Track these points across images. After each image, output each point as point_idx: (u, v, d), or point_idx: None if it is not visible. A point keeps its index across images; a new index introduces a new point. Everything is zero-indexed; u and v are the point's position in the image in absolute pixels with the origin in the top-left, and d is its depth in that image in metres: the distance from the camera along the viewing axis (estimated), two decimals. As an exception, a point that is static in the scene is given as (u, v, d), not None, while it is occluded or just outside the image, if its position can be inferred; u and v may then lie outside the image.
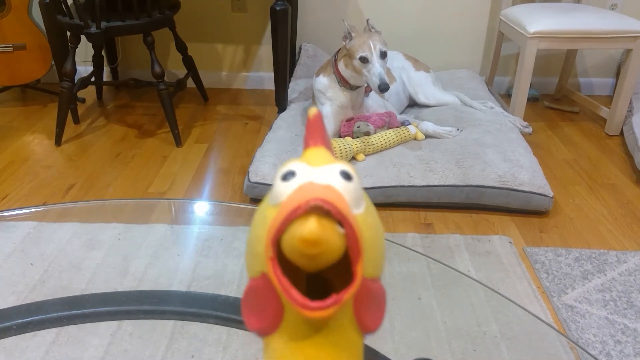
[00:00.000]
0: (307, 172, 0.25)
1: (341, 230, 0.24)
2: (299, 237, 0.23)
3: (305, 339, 0.25)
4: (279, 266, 0.24)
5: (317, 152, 0.28)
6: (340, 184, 0.25)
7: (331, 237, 0.23)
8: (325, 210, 0.23)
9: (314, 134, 0.29)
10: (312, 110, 0.29)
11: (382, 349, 0.63)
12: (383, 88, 1.61)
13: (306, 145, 0.29)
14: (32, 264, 0.98)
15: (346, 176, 0.25)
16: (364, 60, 1.66)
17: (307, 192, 0.24)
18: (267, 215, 0.25)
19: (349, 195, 0.25)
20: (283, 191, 0.25)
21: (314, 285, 0.27)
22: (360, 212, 0.26)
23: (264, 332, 0.26)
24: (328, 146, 0.29)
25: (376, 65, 1.65)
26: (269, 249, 0.24)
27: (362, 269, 0.24)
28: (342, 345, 0.25)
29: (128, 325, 0.87)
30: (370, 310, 0.26)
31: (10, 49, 2.26)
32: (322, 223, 0.23)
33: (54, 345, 0.79)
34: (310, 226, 0.23)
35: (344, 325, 0.25)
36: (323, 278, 0.28)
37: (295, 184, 0.25)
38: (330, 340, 0.25)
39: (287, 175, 0.25)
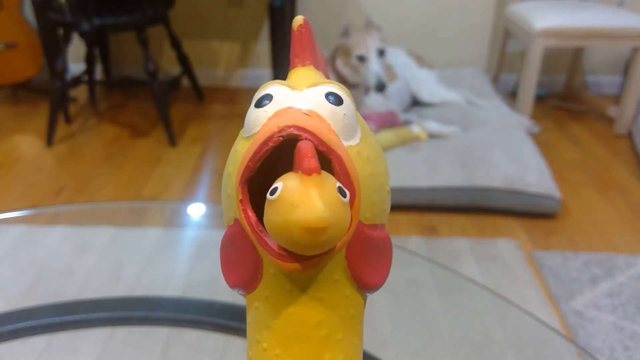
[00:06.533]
0: (287, 96, 0.22)
1: (345, 199, 0.19)
2: (301, 224, 0.18)
3: (289, 296, 0.21)
4: (250, 209, 0.21)
5: (304, 73, 0.23)
6: (326, 109, 0.21)
7: (339, 212, 0.18)
8: (306, 142, 0.19)
9: (300, 50, 0.24)
10: (297, 20, 0.24)
11: (384, 357, 0.59)
12: (380, 88, 1.58)
13: (292, 65, 0.24)
14: (22, 269, 0.96)
15: (335, 99, 0.21)
16: (361, 58, 1.63)
17: (283, 119, 0.20)
18: (239, 149, 0.22)
19: (337, 123, 0.21)
20: (256, 119, 0.22)
21: None
22: (354, 143, 0.22)
23: (246, 287, 0.23)
24: (319, 65, 0.24)
25: (373, 64, 1.61)
26: (238, 191, 0.21)
27: (357, 214, 0.21)
28: (335, 303, 0.22)
29: (121, 332, 0.83)
30: (369, 264, 0.22)
31: (2, 47, 2.21)
32: (323, 193, 0.18)
33: (45, 353, 0.77)
34: (316, 207, 0.18)
35: (338, 280, 0.22)
36: None
37: (270, 111, 0.21)
38: (319, 297, 0.21)
39: (263, 100, 0.22)
